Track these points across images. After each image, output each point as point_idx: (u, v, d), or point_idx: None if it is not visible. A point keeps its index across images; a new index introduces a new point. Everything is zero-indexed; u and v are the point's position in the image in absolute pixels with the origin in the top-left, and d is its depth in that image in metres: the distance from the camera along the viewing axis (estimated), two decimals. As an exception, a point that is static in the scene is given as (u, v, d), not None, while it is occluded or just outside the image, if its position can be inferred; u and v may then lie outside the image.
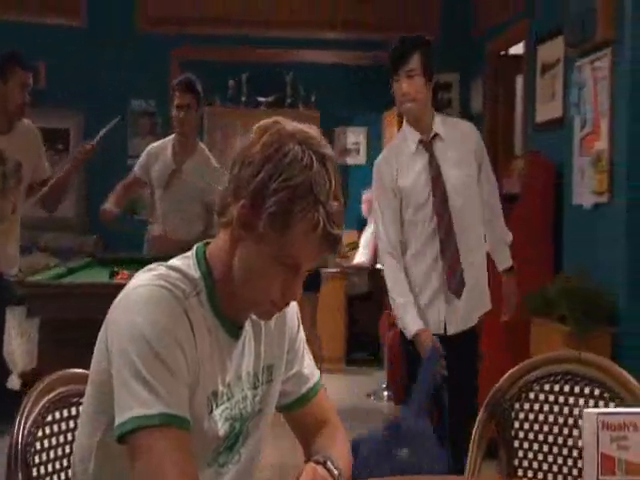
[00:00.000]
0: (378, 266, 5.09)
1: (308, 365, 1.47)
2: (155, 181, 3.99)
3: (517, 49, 5.32)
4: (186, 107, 3.90)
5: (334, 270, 6.26)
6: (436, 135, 2.82)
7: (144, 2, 6.08)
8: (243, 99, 7.89)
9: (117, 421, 1.16)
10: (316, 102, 7.99)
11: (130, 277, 3.05)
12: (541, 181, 4.33)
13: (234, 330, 1.30)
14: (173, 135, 4.06)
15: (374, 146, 8.31)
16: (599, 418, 0.89)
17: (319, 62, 6.93)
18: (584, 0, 3.87)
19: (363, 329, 6.56)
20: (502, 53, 5.56)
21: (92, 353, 2.69)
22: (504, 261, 2.99)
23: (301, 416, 1.46)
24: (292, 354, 1.42)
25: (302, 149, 1.20)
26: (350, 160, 8.33)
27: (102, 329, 1.26)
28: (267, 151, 1.20)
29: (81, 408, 1.36)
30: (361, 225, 7.16)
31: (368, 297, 6.62)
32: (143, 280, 1.24)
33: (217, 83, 7.83)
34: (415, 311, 2.70)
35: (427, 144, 2.82)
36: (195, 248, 1.32)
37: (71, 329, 2.65)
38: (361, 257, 6.79)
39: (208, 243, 1.32)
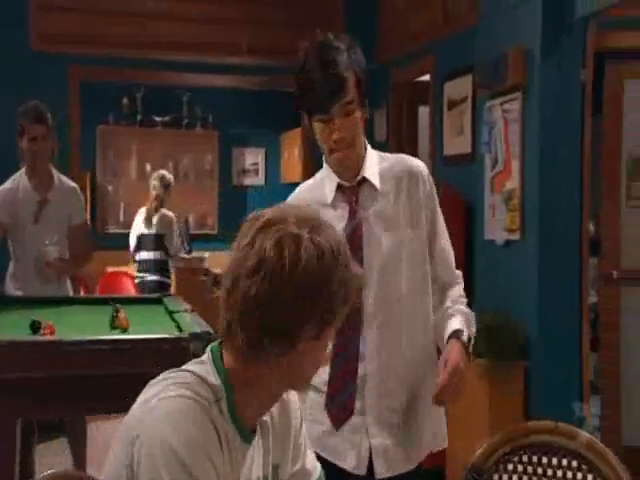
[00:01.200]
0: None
1: (310, 460, 1.45)
2: (22, 216, 3.81)
3: (422, 77, 5.45)
4: (40, 138, 3.74)
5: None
6: (364, 180, 1.95)
7: (38, 19, 5.81)
8: (139, 118, 7.70)
9: None
10: (214, 123, 7.91)
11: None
12: (454, 214, 4.46)
13: (248, 435, 1.27)
14: (23, 170, 3.87)
15: (272, 167, 8.33)
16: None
17: (217, 84, 6.85)
18: (495, 44, 4.03)
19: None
20: (408, 82, 5.68)
21: (14, 415, 2.49)
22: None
23: None
24: (296, 450, 1.40)
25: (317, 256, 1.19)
26: (248, 181, 8.30)
27: (122, 439, 1.20)
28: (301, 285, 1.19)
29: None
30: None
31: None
32: (167, 390, 1.20)
33: (111, 101, 7.61)
34: None
35: (349, 192, 1.95)
36: (210, 354, 1.28)
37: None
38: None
39: (221, 343, 1.28)
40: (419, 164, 2.01)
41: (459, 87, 4.69)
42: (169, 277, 5.81)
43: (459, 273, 2.06)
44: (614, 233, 4.40)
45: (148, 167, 7.67)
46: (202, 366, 1.26)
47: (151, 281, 5.63)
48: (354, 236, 1.88)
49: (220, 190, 8.07)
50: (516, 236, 3.89)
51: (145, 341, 2.57)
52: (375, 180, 1.94)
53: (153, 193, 5.73)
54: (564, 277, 3.80)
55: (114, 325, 2.95)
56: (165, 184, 5.74)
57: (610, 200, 4.39)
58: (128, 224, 7.41)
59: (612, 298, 4.45)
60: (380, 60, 5.87)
